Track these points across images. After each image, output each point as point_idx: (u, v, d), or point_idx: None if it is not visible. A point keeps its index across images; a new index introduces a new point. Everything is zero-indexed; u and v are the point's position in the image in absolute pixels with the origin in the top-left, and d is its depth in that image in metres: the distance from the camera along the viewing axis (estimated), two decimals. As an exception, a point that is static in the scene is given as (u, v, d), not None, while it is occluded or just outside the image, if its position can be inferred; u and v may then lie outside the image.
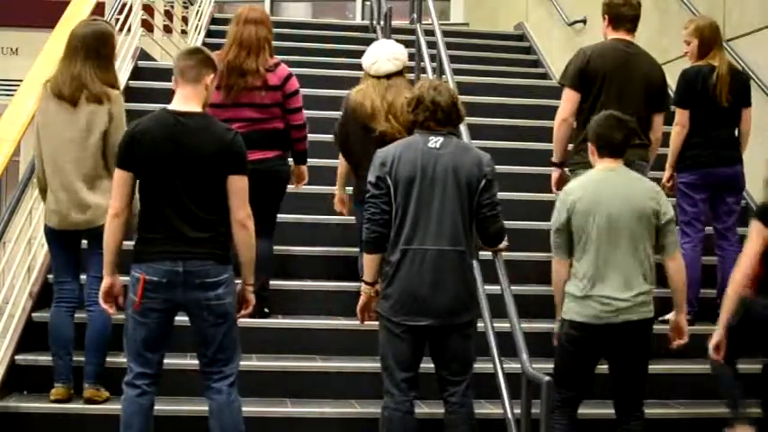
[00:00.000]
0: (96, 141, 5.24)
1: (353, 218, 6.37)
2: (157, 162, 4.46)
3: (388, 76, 5.84)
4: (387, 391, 4.75)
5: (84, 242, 5.39)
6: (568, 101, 5.83)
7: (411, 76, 7.11)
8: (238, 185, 4.51)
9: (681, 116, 6.25)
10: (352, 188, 6.19)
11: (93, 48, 5.31)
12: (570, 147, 5.92)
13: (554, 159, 6.00)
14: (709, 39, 6.34)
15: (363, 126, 5.78)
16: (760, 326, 4.58)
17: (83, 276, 5.43)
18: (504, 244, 5.05)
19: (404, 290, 4.67)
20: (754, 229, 4.63)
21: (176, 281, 4.43)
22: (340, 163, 6.25)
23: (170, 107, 4.58)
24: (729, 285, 4.68)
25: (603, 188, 4.86)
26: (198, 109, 4.58)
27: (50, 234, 5.35)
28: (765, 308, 4.55)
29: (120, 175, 4.53)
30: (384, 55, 5.87)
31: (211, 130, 4.55)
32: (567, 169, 5.95)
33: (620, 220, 4.79)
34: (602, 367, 4.97)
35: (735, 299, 4.63)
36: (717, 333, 4.72)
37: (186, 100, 4.56)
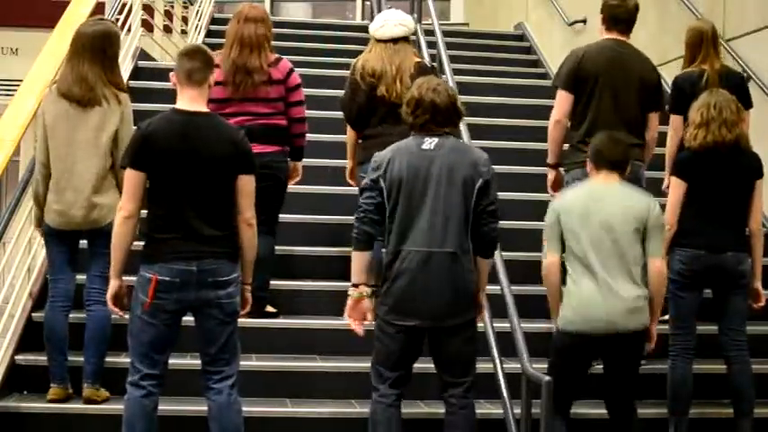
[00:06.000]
0: (107, 142, 5.25)
1: (354, 218, 6.35)
2: (171, 161, 4.47)
3: (395, 41, 5.98)
4: (374, 386, 4.77)
5: (84, 241, 5.39)
6: (562, 102, 5.84)
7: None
8: (247, 185, 4.57)
9: (673, 121, 6.27)
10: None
11: (100, 48, 5.31)
12: (565, 147, 5.93)
13: (549, 161, 6.00)
14: (692, 43, 6.36)
15: (370, 89, 5.90)
16: None
17: (79, 276, 5.43)
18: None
19: (395, 290, 4.65)
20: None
21: (190, 280, 4.43)
22: (348, 135, 6.26)
23: (179, 107, 4.58)
24: None
25: (599, 196, 4.90)
26: (205, 108, 4.61)
27: (50, 233, 5.35)
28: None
29: (133, 175, 4.51)
30: (392, 20, 6.02)
31: (221, 129, 4.59)
32: (562, 169, 5.95)
33: (615, 228, 4.82)
34: (599, 366, 4.98)
35: None
36: None
37: (193, 100, 4.57)
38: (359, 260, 4.72)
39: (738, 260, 5.37)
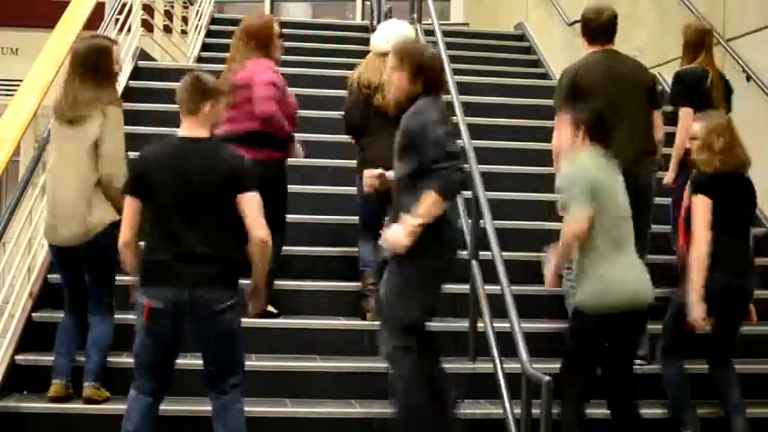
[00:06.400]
0: (92, 157, 5.23)
1: (353, 218, 6.37)
2: (168, 188, 4.48)
3: (386, 54, 5.99)
4: (407, 346, 4.63)
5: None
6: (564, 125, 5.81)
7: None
8: (250, 201, 4.51)
9: (684, 114, 6.24)
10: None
11: (91, 65, 5.31)
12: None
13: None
14: (694, 41, 6.40)
15: (365, 98, 6.06)
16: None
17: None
18: None
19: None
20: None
21: (182, 308, 4.43)
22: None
23: (180, 134, 4.61)
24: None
25: (607, 170, 4.94)
26: (204, 134, 4.59)
27: (51, 249, 5.41)
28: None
29: (131, 203, 4.56)
30: (384, 36, 6.20)
31: (219, 154, 4.56)
32: None
33: (624, 201, 4.92)
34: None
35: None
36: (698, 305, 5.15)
37: (191, 128, 4.58)
38: (440, 209, 4.56)
39: (754, 283, 5.41)
